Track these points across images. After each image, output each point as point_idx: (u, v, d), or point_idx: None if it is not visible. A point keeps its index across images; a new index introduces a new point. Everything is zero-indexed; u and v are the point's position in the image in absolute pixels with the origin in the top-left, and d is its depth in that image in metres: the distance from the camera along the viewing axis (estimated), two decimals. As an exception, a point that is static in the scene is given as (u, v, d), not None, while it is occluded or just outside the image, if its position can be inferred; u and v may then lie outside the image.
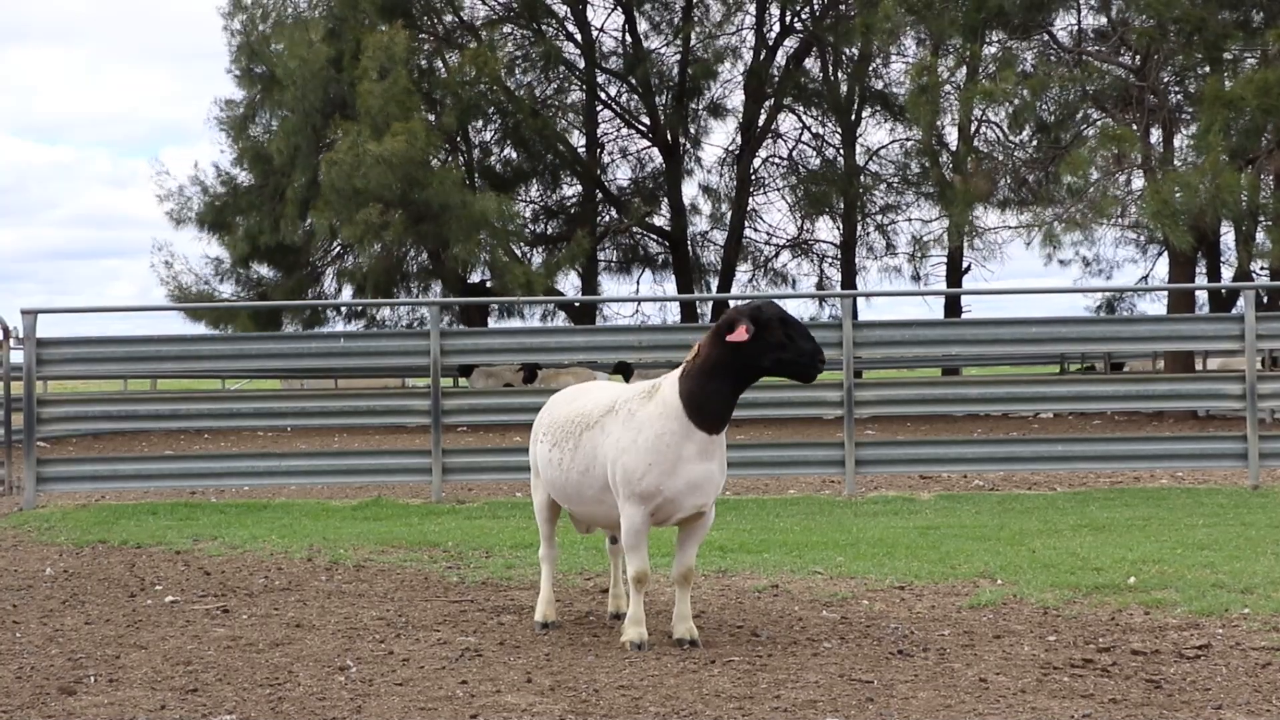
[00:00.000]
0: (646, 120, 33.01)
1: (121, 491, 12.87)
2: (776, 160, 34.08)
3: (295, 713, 5.07)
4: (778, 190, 34.43)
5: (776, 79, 32.28)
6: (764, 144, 33.35)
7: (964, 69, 25.76)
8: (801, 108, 33.29)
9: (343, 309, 30.67)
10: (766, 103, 32.51)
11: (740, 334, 5.87)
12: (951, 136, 28.92)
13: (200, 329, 28.04)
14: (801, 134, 33.63)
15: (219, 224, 30.03)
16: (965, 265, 31.23)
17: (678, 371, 6.08)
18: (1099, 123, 24.44)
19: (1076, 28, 25.55)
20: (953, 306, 29.73)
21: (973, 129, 27.93)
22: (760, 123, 32.65)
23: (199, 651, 6.10)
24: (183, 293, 29.99)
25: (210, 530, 10.20)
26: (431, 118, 28.46)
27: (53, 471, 12.37)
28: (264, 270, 30.89)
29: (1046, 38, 25.20)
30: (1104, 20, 24.84)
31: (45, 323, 12.26)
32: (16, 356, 12.32)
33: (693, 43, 31.82)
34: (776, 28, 32.46)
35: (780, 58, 32.55)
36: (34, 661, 5.93)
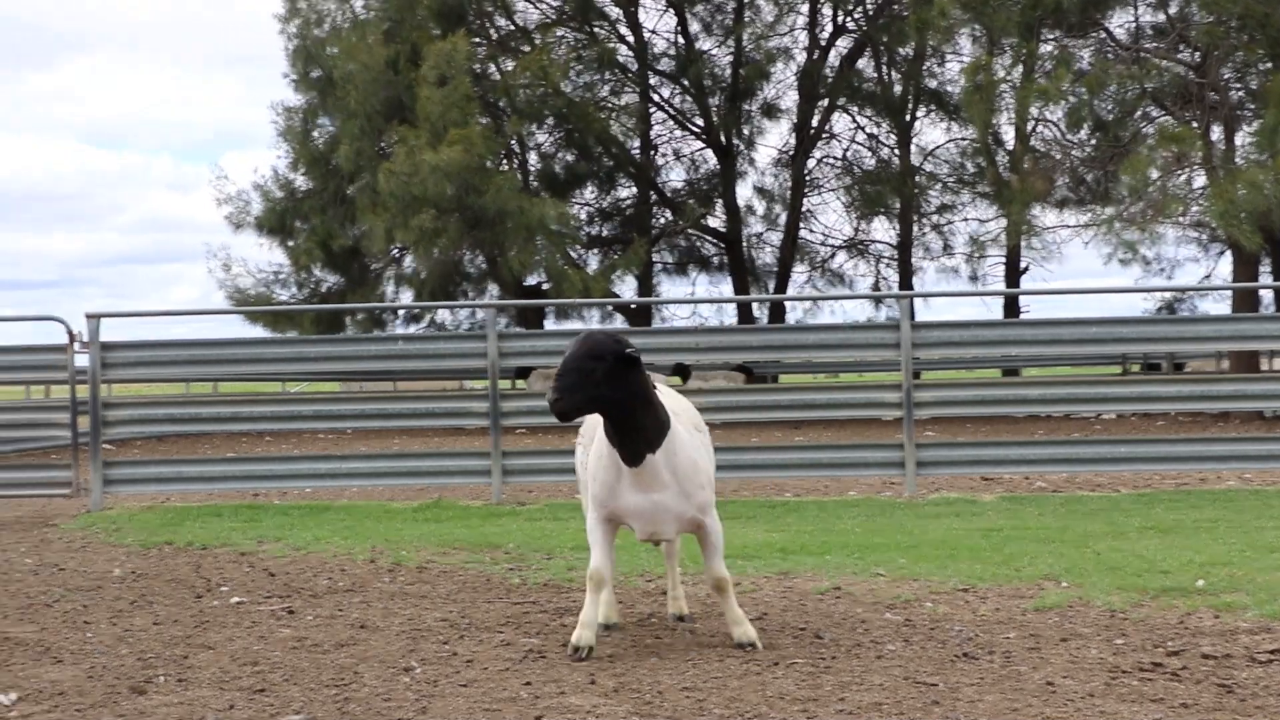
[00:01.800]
0: (700, 122, 33.00)
1: (186, 493, 13.00)
2: (831, 161, 34.00)
3: (361, 713, 5.10)
4: (833, 191, 34.35)
5: (830, 79, 32.17)
6: (818, 144, 33.27)
7: (1020, 67, 25.58)
8: (855, 108, 33.15)
9: (401, 312, 30.83)
10: (820, 103, 32.41)
11: None
12: (1008, 135, 28.75)
13: (260, 332, 28.29)
14: (856, 134, 33.54)
15: (278, 228, 30.27)
16: (1023, 265, 30.99)
17: None
18: (1158, 121, 24.21)
19: (1134, 25, 25.29)
20: (1011, 307, 29.50)
21: (1029, 128, 27.69)
22: (814, 123, 32.57)
23: (265, 652, 6.15)
24: (242, 296, 30.26)
25: (274, 532, 10.29)
26: (486, 121, 28.55)
27: (119, 474, 12.51)
28: (324, 274, 31.10)
29: (1104, 35, 24.97)
30: (1162, 17, 24.59)
31: (109, 326, 12.41)
32: (82, 360, 12.46)
33: (745, 44, 31.76)
34: (829, 28, 32.37)
35: (833, 58, 32.44)
36: (105, 661, 6.00)
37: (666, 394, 6.30)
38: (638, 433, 5.82)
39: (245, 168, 68.18)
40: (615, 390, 5.72)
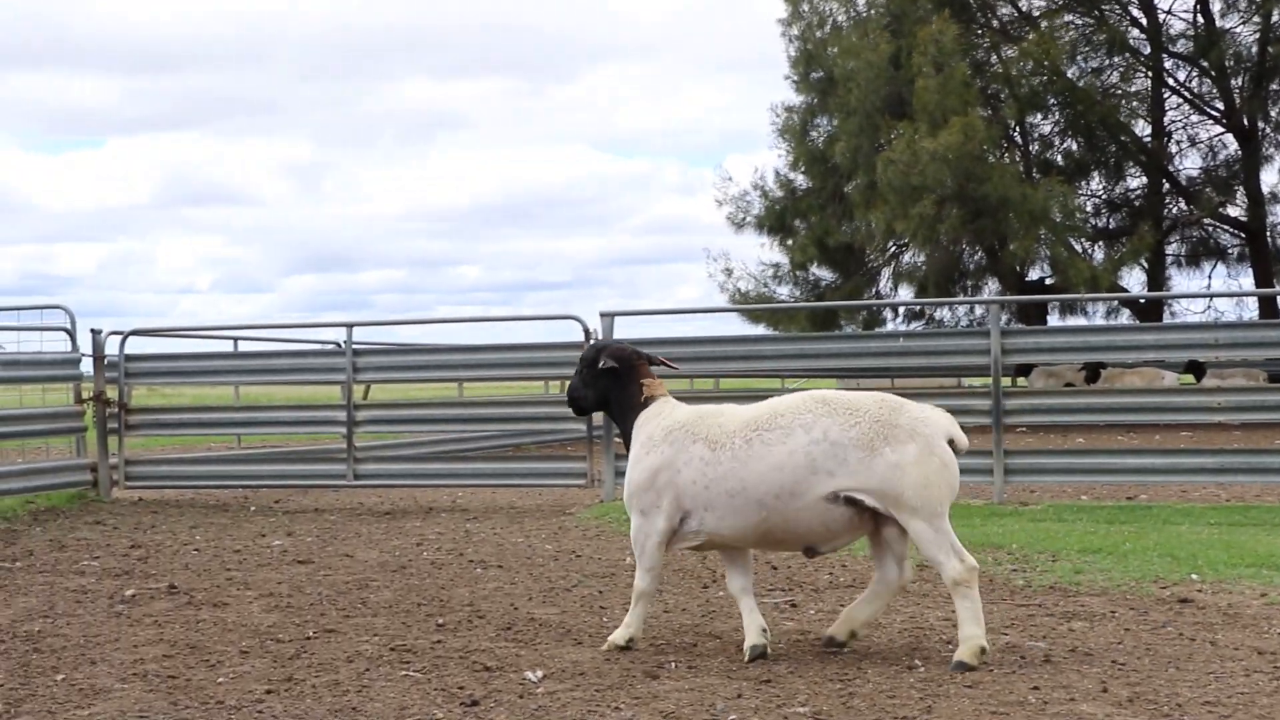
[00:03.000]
0: (1219, 105, 31.12)
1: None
2: (1371, 141, 31.27)
3: (866, 709, 5.11)
4: (1372, 173, 31.58)
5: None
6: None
7: None
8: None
9: (900, 309, 30.76)
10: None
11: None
12: None
13: (760, 330, 28.93)
14: None
15: (778, 227, 30.86)
16: None
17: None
18: None
19: None
20: None
21: None
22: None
23: (770, 644, 6.26)
24: (741, 296, 31.05)
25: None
26: (987, 112, 28.05)
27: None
28: (821, 272, 31.46)
29: None
30: None
31: (621, 324, 12.98)
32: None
33: (1274, 19, 29.66)
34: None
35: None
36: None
37: (700, 409, 6.32)
38: (624, 435, 6.49)
39: (746, 169, 69.89)
40: (597, 394, 6.58)
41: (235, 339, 17.23)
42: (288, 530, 11.02)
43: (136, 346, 13.87)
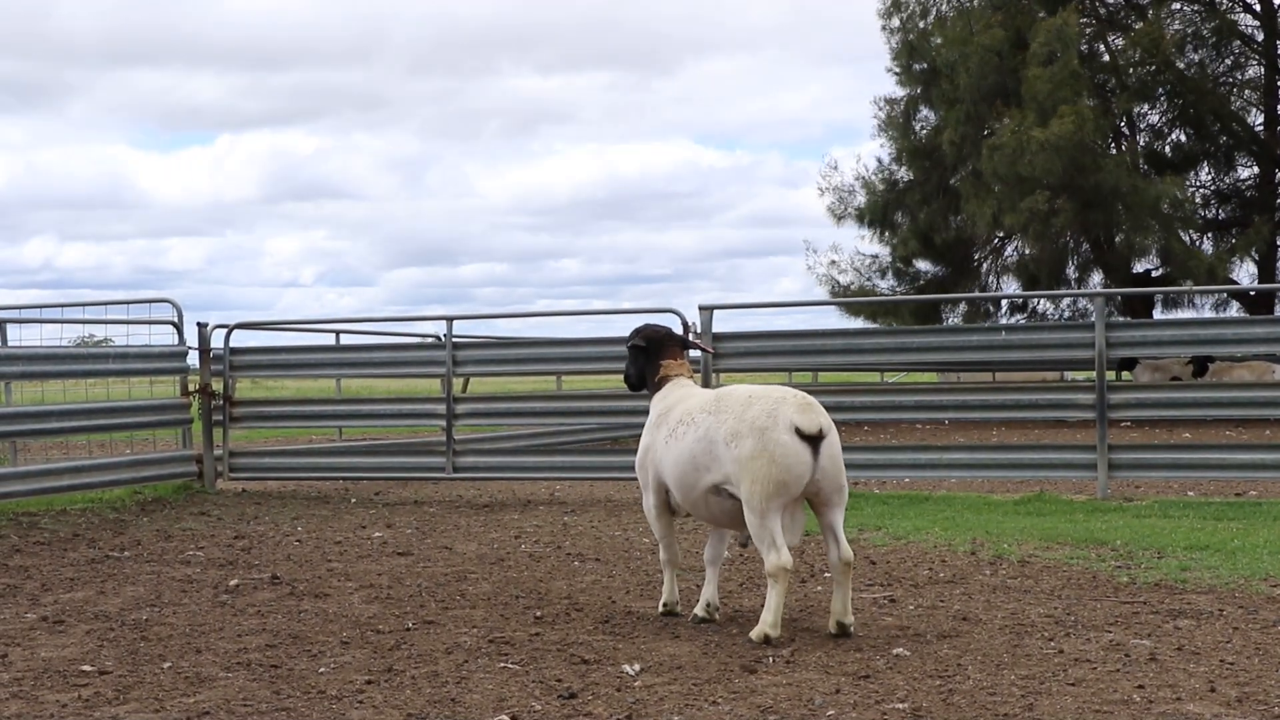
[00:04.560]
0: (1335, 93, 30.38)
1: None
2: None
3: (966, 706, 5.05)
4: None
5: None
6: None
7: None
8: None
9: (1002, 302, 30.39)
10: None
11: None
12: None
13: (859, 324, 28.72)
14: None
15: (879, 220, 30.63)
16: None
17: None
18: None
19: None
20: None
21: None
22: None
23: (869, 639, 6.22)
24: (842, 289, 30.86)
25: (874, 520, 10.41)
26: (1093, 102, 27.62)
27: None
28: (923, 266, 31.19)
29: None
30: None
31: (720, 318, 12.94)
32: (693, 351, 13.01)
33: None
34: None
35: None
36: (718, 639, 6.27)
37: (691, 393, 6.75)
38: None
39: (850, 161, 69.50)
40: (635, 372, 7.16)
41: (337, 332, 17.44)
42: (387, 522, 11.13)
43: (241, 340, 14.08)
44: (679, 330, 10.85)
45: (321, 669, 5.76)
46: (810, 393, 6.74)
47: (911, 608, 7.01)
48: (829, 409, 6.98)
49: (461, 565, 8.69)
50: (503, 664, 5.81)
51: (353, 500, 12.93)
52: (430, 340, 17.56)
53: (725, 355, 12.89)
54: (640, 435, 7.00)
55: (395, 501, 12.86)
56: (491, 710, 5.08)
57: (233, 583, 8.00)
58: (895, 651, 5.95)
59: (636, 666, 5.71)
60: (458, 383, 14.47)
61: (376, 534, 10.33)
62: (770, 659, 5.85)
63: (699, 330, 12.79)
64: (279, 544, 9.82)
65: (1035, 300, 29.93)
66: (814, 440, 6.10)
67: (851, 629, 6.28)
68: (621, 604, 7.21)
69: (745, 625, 6.50)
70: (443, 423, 13.51)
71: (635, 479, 13.39)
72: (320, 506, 12.37)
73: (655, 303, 20.69)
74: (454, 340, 13.64)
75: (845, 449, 6.52)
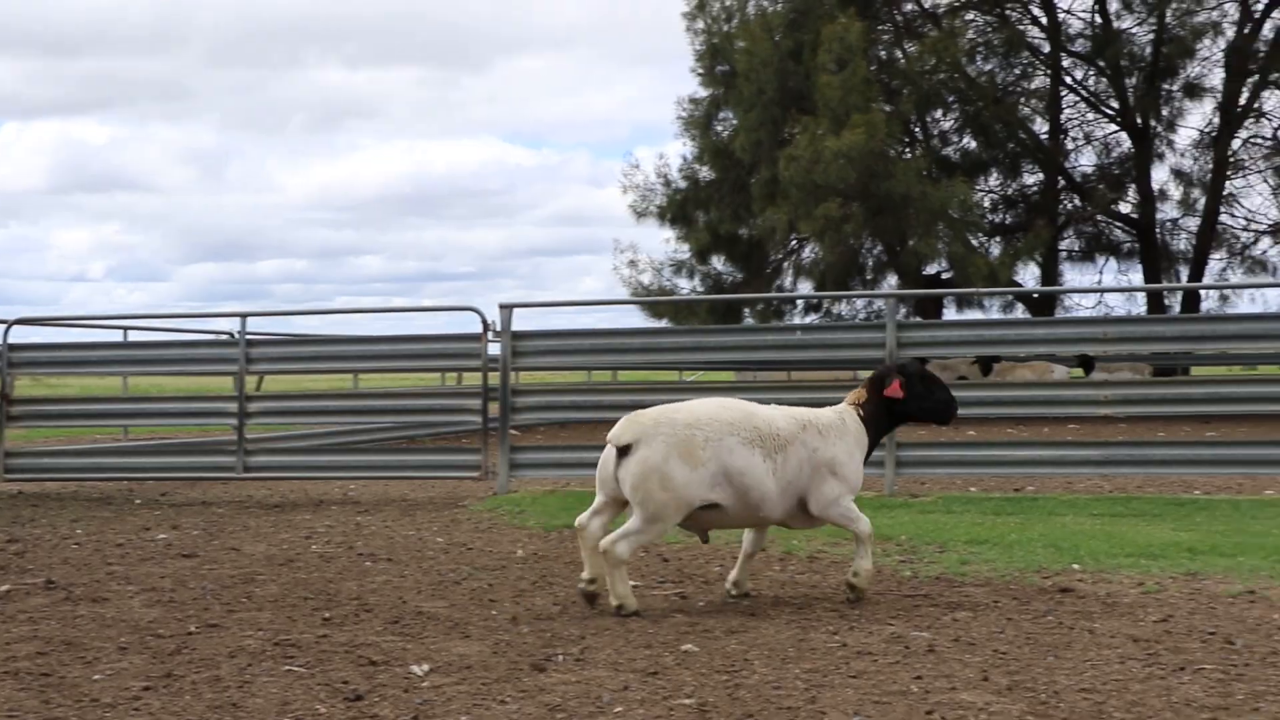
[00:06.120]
0: (1114, 104, 31.70)
1: (587, 478, 13.40)
2: (1259, 141, 32.01)
3: (751, 700, 5.11)
4: (1259, 173, 32.26)
5: (1262, 54, 30.25)
6: (1244, 124, 31.33)
7: None
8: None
9: (799, 302, 30.94)
10: (1249, 80, 30.52)
11: (895, 389, 7.19)
12: None
13: (661, 324, 28.95)
14: (1289, 111, 31.38)
15: (680, 218, 30.93)
16: None
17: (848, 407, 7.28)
18: None
19: None
20: None
21: None
22: (1241, 102, 30.69)
23: (659, 636, 6.26)
24: (643, 289, 31.07)
25: (670, 517, 10.46)
26: (889, 108, 28.29)
27: (524, 458, 13.00)
28: (722, 266, 31.58)
29: None
30: None
31: (520, 316, 12.91)
32: (494, 349, 13.01)
33: (1168, 20, 30.26)
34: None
35: (1268, 31, 30.50)
36: (508, 638, 6.24)
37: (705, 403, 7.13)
38: None
39: (653, 162, 70.11)
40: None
41: (125, 328, 16.90)
42: (173, 523, 10.83)
43: (22, 336, 13.57)
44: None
45: (96, 676, 5.57)
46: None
47: (701, 604, 7.08)
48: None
49: (249, 567, 8.50)
50: (288, 667, 5.69)
51: (137, 501, 12.56)
52: (225, 337, 17.15)
53: (525, 354, 12.87)
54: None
55: (182, 502, 12.53)
56: (274, 714, 4.97)
57: (3, 589, 7.69)
58: (684, 648, 6.00)
59: (425, 667, 5.65)
60: (251, 381, 14.15)
61: (161, 536, 10.04)
62: (560, 657, 5.84)
63: (499, 329, 12.75)
64: (56, 547, 9.47)
65: (831, 301, 30.54)
66: (619, 451, 6.79)
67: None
68: (412, 604, 7.13)
69: (535, 625, 6.49)
70: (234, 421, 13.21)
71: (430, 478, 13.38)
72: (102, 508, 11.98)
73: (458, 301, 20.47)
74: (247, 337, 13.35)
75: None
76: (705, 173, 31.51)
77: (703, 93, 31.44)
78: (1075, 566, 7.91)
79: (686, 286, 31.58)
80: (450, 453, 14.22)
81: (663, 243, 34.99)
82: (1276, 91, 31.15)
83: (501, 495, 12.32)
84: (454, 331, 13.39)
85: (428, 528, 10.41)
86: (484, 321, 12.87)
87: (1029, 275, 31.21)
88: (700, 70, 31.07)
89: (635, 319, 29.88)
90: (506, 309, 12.79)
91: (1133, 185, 31.94)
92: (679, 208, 30.93)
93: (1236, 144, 31.53)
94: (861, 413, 7.24)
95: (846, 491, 7.10)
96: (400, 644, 6.12)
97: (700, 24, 30.88)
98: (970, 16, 31.49)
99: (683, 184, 31.39)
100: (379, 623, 6.63)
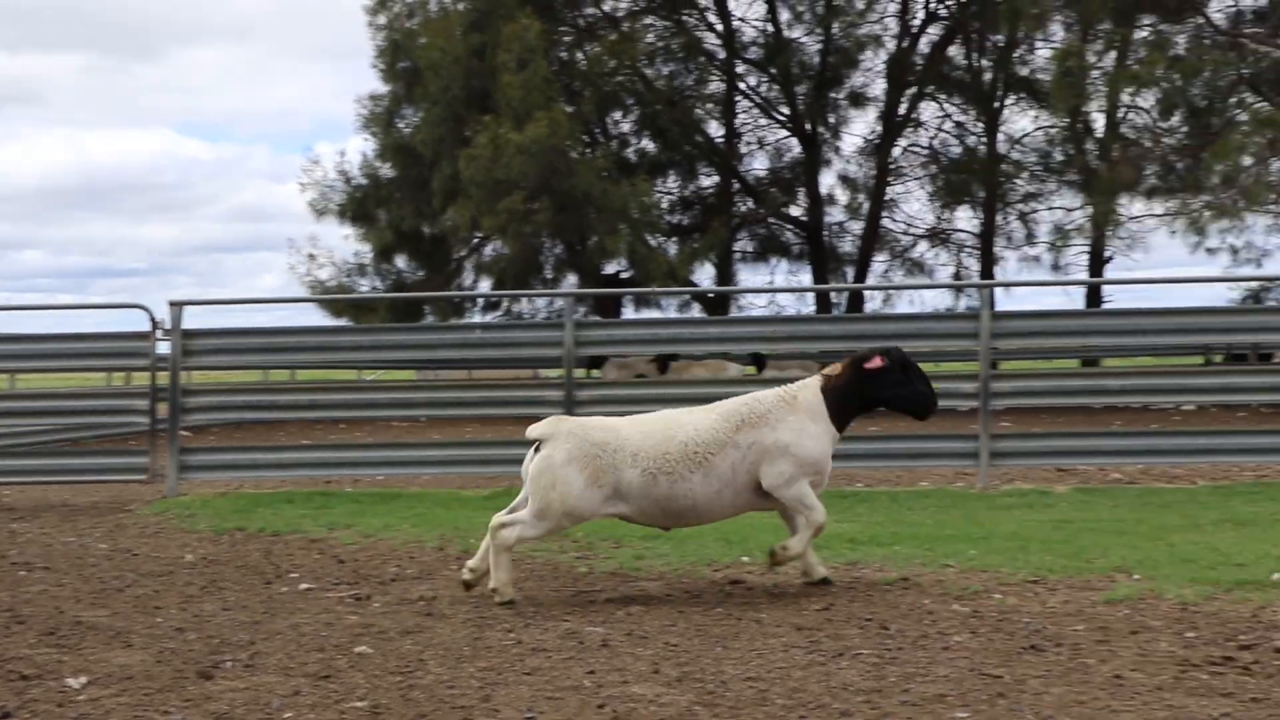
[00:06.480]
0: (785, 110, 32.85)
1: (259, 480, 13.12)
2: (917, 149, 33.71)
3: (425, 700, 5.12)
4: (917, 180, 34.03)
5: (919, 67, 31.91)
6: (904, 133, 32.98)
7: (1113, 54, 25.22)
8: (944, 95, 32.84)
9: (480, 301, 30.95)
10: (908, 91, 32.14)
11: (875, 363, 7.15)
12: (1098, 123, 28.33)
13: (342, 322, 28.49)
14: (943, 122, 33.19)
15: (360, 215, 30.51)
16: (1107, 255, 30.57)
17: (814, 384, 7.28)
18: (1254, 107, 23.71)
19: (1234, 9, 24.82)
20: (1094, 297, 29.09)
21: (1120, 115, 27.30)
22: (901, 111, 32.31)
23: (332, 638, 6.19)
24: (321, 287, 30.53)
25: (345, 519, 10.35)
26: (571, 109, 28.58)
27: (194, 460, 12.60)
28: (403, 264, 31.31)
29: (1201, 21, 24.47)
30: (1264, 0, 24.11)
31: (192, 314, 12.52)
32: (163, 347, 12.58)
33: (834, 32, 31.58)
34: (921, 15, 32.12)
35: (924, 45, 32.19)
36: (174, 646, 6.06)
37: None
38: None
39: (334, 158, 68.82)
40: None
41: None
42: None
43: None
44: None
45: None
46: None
47: (378, 605, 7.03)
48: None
49: (-109, 580, 7.99)
50: (-69, 685, 5.38)
51: None
52: None
53: (196, 353, 12.49)
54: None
55: None
56: (-86, 736, 4.70)
57: None
58: (358, 650, 5.95)
59: (83, 679, 5.43)
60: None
61: None
62: (229, 663, 5.71)
63: (169, 326, 12.33)
64: None
65: (512, 300, 30.65)
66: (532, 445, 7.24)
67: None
68: (70, 614, 6.83)
69: (203, 631, 6.32)
70: (-125, 425, 12.36)
71: (94, 482, 12.83)
72: None
73: (128, 298, 19.64)
74: (-111, 336, 12.52)
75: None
76: (387, 170, 31.14)
77: (384, 89, 31.10)
78: (745, 559, 8.18)
79: (366, 285, 31.16)
80: (115, 455, 13.67)
81: (344, 240, 34.35)
82: (932, 103, 32.94)
83: (171, 498, 11.92)
84: (121, 330, 12.89)
85: (90, 534, 9.99)
86: (152, 319, 12.44)
87: (705, 275, 32.06)
88: (382, 66, 30.69)
89: (316, 317, 29.28)
90: (177, 306, 12.41)
91: (802, 189, 33.14)
92: (359, 205, 30.48)
93: (897, 151, 33.14)
94: (825, 385, 7.22)
95: (800, 471, 7.04)
96: (56, 656, 5.87)
97: (382, 19, 30.51)
98: (649, 21, 32.12)
99: (364, 181, 30.96)
100: (33, 635, 6.34)
